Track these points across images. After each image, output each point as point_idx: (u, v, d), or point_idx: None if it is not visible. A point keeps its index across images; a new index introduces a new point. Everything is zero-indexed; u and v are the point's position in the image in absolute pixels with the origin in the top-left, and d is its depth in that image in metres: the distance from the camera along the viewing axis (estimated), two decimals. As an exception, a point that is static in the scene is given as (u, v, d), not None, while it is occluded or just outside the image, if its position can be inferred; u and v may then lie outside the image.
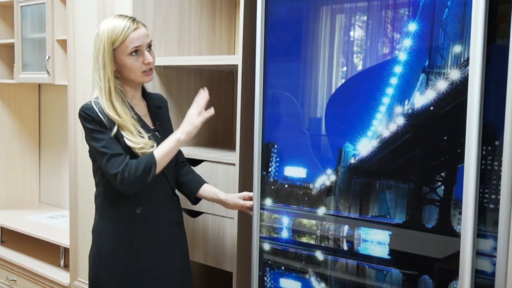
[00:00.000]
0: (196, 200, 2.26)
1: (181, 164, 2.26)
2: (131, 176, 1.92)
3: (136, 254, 2.05)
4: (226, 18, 2.99)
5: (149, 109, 2.15)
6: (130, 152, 1.97)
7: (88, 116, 1.98)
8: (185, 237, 2.25)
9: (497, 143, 1.56)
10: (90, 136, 1.99)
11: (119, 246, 2.05)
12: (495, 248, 1.57)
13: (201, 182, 2.24)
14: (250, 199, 2.13)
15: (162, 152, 1.97)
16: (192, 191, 2.23)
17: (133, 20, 2.01)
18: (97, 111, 1.97)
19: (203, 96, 2.05)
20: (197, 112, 2.01)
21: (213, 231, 2.43)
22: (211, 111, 2.04)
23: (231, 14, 3.02)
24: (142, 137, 2.00)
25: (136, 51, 1.99)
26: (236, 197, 2.17)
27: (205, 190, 2.22)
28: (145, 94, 2.17)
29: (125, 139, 1.96)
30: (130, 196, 2.01)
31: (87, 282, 2.26)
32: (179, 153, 2.27)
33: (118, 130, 1.97)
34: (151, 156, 1.96)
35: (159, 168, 1.96)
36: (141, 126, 2.03)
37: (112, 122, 1.97)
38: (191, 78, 2.81)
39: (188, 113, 2.03)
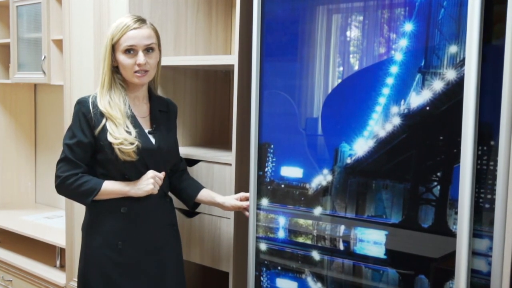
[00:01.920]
0: (194, 205, 2.27)
1: (180, 172, 2.27)
2: (72, 186, 2.00)
3: (120, 252, 2.06)
4: (222, 18, 2.99)
5: (151, 112, 2.15)
6: (110, 148, 1.98)
7: (79, 109, 2.03)
8: (178, 238, 2.25)
9: (492, 143, 1.56)
10: (69, 127, 2.06)
11: (104, 243, 2.06)
12: (490, 248, 1.58)
13: (199, 187, 2.25)
14: (247, 199, 2.14)
15: (109, 189, 2.02)
16: (190, 197, 2.24)
17: (139, 20, 2.02)
18: (89, 104, 2.01)
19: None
20: (153, 177, 2.04)
21: (209, 231, 2.42)
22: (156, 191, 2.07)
23: (227, 14, 3.01)
24: (129, 132, 2.00)
25: (131, 50, 1.99)
26: (233, 199, 2.17)
27: (203, 195, 2.23)
28: (151, 97, 2.17)
29: (107, 135, 1.98)
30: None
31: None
32: (181, 161, 2.30)
33: (104, 125, 1.99)
34: (99, 184, 2.01)
35: (97, 198, 2.01)
36: (132, 124, 2.03)
37: (102, 116, 1.99)
38: (187, 78, 2.81)
39: (149, 175, 2.04)
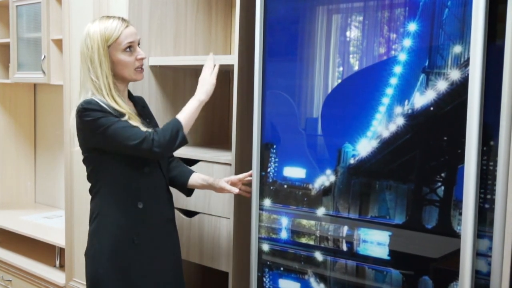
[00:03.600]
0: (189, 191, 2.26)
1: (168, 159, 2.25)
2: (160, 139, 1.93)
3: (136, 248, 2.05)
4: (222, 18, 2.98)
5: (136, 108, 2.16)
6: None
7: (90, 108, 1.93)
8: (177, 233, 2.24)
9: (492, 143, 1.56)
10: (96, 125, 1.92)
11: (121, 241, 2.04)
12: (490, 248, 1.57)
13: (189, 172, 2.23)
14: (240, 181, 2.14)
15: (187, 114, 2.03)
16: (183, 184, 2.22)
17: (122, 19, 2.04)
18: (99, 102, 1.94)
19: (211, 58, 2.17)
20: (209, 73, 2.13)
21: (209, 231, 2.42)
22: (217, 66, 2.16)
23: (227, 14, 3.01)
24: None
25: (130, 47, 2.01)
26: (223, 181, 2.16)
27: (194, 178, 2.21)
28: (130, 96, 2.18)
29: None
30: (131, 192, 2.01)
31: (83, 282, 2.24)
32: None
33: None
34: (175, 120, 2.00)
35: (185, 130, 2.00)
36: (139, 121, 2.03)
37: (118, 113, 1.95)
38: (187, 78, 2.80)
39: (201, 77, 2.12)
